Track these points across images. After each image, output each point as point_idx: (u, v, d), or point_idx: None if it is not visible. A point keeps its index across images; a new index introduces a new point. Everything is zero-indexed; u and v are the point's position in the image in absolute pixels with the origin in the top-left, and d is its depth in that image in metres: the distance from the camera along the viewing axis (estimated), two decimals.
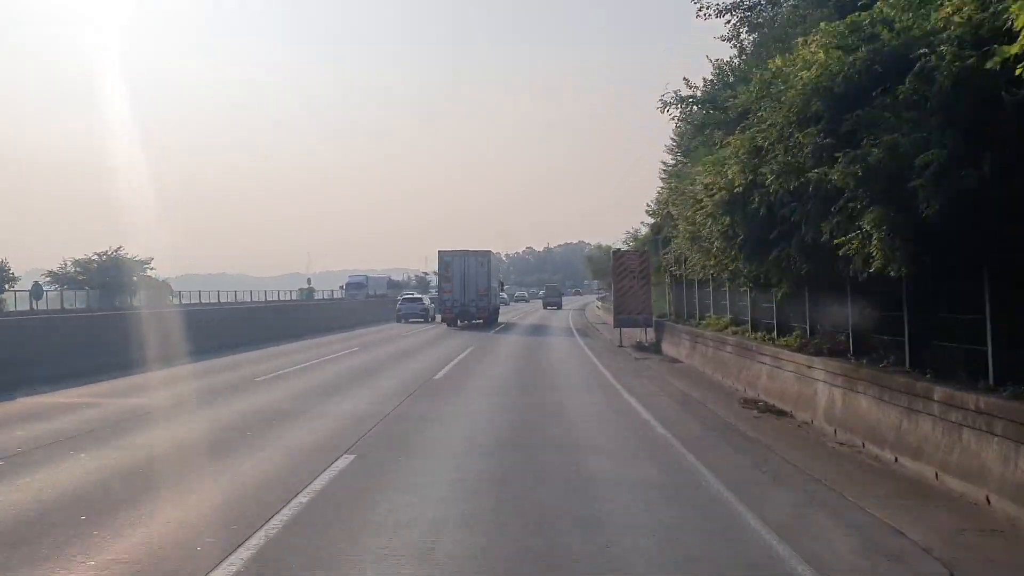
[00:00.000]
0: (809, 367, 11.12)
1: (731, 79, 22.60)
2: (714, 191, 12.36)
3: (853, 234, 7.96)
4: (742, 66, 22.62)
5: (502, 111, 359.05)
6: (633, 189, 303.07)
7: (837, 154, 7.93)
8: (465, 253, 37.08)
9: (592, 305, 71.86)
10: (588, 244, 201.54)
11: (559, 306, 67.37)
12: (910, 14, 8.02)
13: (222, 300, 60.26)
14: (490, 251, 40.49)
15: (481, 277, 37.04)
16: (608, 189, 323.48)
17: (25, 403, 13.21)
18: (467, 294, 36.82)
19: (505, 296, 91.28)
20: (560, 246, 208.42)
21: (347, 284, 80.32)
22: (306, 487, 7.44)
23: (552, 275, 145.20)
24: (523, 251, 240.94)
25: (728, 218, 11.97)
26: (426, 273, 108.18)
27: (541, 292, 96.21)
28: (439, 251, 37.37)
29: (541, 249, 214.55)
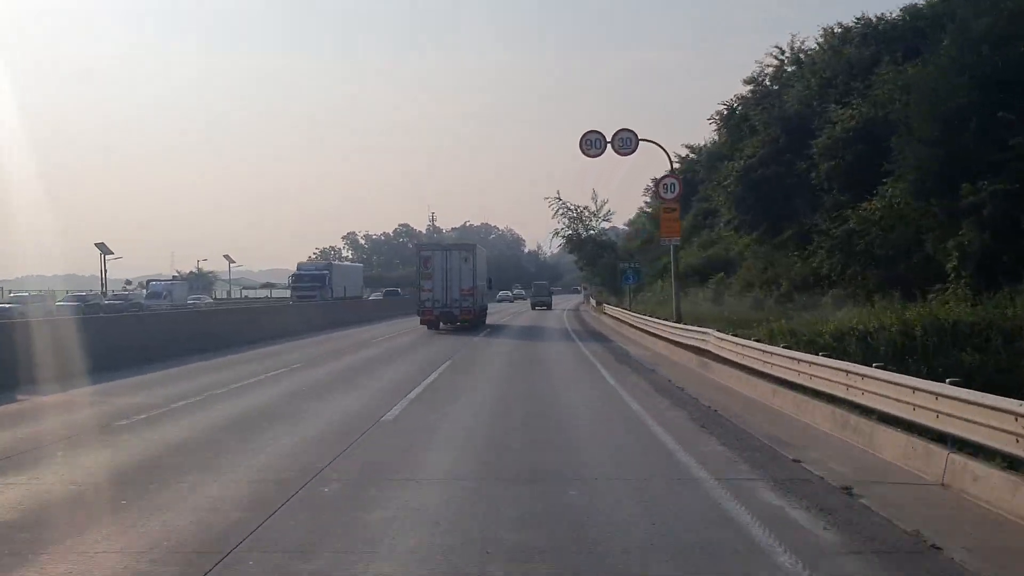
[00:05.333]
0: None
1: None
2: None
3: None
4: None
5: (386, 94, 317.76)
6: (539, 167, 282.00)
7: None
8: (447, 247, 33.66)
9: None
10: (496, 228, 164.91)
11: (548, 306, 63.33)
12: None
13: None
14: (475, 244, 36.29)
15: (465, 274, 32.59)
16: (508, 169, 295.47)
17: None
18: (449, 293, 32.27)
19: (509, 294, 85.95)
20: (455, 229, 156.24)
21: None
22: None
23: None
24: (394, 231, 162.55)
25: None
26: (178, 274, 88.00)
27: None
28: (418, 244, 33.62)
29: (422, 229, 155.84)
